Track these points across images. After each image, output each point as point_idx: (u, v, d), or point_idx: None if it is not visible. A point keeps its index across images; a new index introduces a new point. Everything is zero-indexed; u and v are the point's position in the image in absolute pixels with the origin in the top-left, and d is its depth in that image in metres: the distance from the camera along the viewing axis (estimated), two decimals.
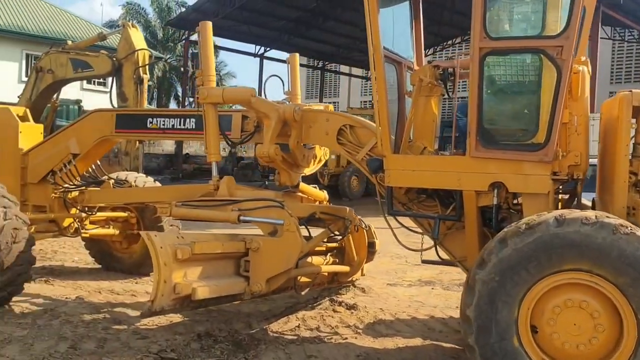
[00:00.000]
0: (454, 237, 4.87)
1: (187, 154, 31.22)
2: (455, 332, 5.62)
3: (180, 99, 38.02)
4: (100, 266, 7.99)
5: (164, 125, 6.07)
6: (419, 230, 5.02)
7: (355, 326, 5.67)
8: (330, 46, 32.30)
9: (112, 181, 6.78)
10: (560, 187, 4.54)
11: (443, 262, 5.20)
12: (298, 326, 5.57)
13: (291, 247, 4.78)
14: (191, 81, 30.78)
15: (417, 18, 5.35)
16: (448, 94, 4.89)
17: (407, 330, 5.64)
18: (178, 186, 6.16)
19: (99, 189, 6.70)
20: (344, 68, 37.69)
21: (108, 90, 13.57)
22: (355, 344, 5.14)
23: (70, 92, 19.84)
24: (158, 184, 7.65)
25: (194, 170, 29.00)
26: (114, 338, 5.00)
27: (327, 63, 36.42)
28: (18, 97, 16.53)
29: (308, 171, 5.89)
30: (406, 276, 8.34)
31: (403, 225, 5.00)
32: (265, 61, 32.08)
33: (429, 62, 4.78)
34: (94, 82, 30.57)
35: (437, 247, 4.88)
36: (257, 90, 5.33)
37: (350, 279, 6.55)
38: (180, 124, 5.99)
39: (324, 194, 6.37)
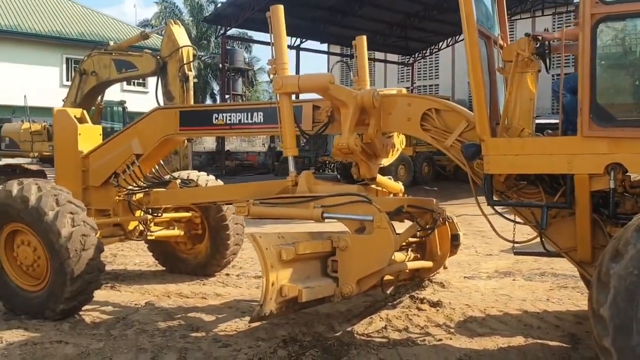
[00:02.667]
0: (560, 226, 4.41)
1: (229, 150, 31.16)
2: (555, 327, 5.20)
3: (217, 96, 38.01)
4: (164, 268, 7.77)
5: (230, 120, 5.75)
6: (519, 220, 4.58)
7: (446, 325, 5.27)
8: (367, 33, 31.65)
9: (178, 181, 6.51)
10: None
11: (539, 253, 4.77)
12: (385, 327, 5.21)
13: (383, 245, 4.39)
14: (227, 78, 30.70)
15: None
16: (547, 69, 4.42)
17: (502, 327, 5.21)
18: (251, 183, 5.85)
19: (164, 189, 6.44)
20: (379, 54, 37.05)
21: (148, 91, 13.26)
22: (452, 346, 4.76)
23: (111, 93, 19.87)
24: (220, 182, 7.36)
25: (236, 166, 28.97)
26: (195, 347, 4.72)
27: None
28: (62, 100, 16.56)
29: (387, 162, 5.51)
30: (481, 267, 7.90)
31: (502, 215, 4.56)
32: (301, 53, 31.71)
33: (526, 34, 4.31)
34: (134, 83, 30.77)
35: (542, 237, 4.44)
36: None
37: (432, 274, 6.16)
38: (247, 119, 5.66)
39: (399, 186, 5.98)
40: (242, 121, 5.69)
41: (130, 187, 6.39)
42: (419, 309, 5.75)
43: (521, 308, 5.79)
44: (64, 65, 31.51)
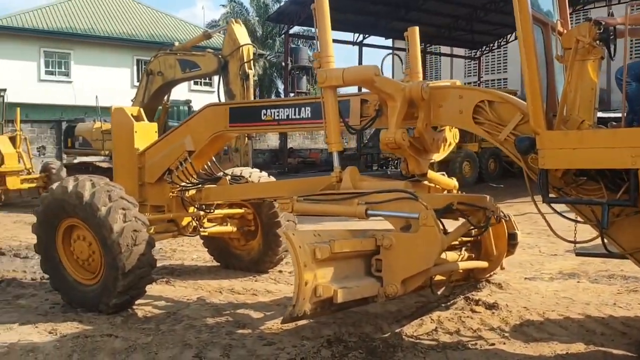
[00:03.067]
0: (623, 226, 4.09)
1: (292, 148, 31.34)
2: (621, 335, 4.84)
3: (282, 95, 38.30)
4: (218, 264, 7.83)
5: (278, 116, 5.70)
6: (580, 219, 4.28)
7: (500, 329, 5.01)
8: (432, 27, 31.02)
9: (228, 177, 6.52)
10: None
11: (602, 255, 4.43)
12: (435, 329, 5.00)
13: (430, 244, 4.21)
14: (291, 76, 30.85)
15: None
16: (611, 56, 4.10)
17: (561, 332, 4.90)
18: (297, 180, 5.80)
19: (215, 186, 6.46)
20: (445, 49, 36.24)
21: (214, 90, 13.38)
22: (505, 351, 4.51)
23: (178, 93, 20.36)
24: (272, 178, 7.34)
25: (299, 163, 29.09)
26: (239, 344, 4.69)
27: (428, 45, 35.14)
28: (131, 100, 17.08)
29: (438, 157, 5.29)
30: (544, 268, 7.51)
31: (559, 214, 4.28)
32: (364, 49, 31.41)
33: (587, 19, 4.01)
34: (201, 82, 31.55)
35: (604, 237, 4.12)
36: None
37: (488, 275, 5.89)
38: (295, 114, 5.58)
39: (454, 182, 5.74)
40: (290, 117, 5.62)
41: (183, 184, 6.45)
42: (473, 310, 5.51)
43: (584, 312, 5.43)
44: (135, 67, 32.65)
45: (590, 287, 6.51)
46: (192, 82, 29.01)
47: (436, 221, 4.23)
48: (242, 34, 13.70)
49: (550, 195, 4.13)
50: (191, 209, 6.69)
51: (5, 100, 18.48)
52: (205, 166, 6.68)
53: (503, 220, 5.46)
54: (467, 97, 4.67)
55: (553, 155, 3.93)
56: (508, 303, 5.73)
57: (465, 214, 5.01)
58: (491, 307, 5.58)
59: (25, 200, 16.40)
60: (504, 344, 4.65)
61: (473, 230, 5.26)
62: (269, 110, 5.75)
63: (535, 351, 4.49)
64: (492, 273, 5.89)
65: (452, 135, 5.37)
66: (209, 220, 7.18)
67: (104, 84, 28.27)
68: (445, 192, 5.68)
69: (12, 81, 27.94)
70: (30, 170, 16.34)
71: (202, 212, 6.64)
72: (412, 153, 4.88)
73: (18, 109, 17.71)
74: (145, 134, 6.84)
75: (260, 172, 7.50)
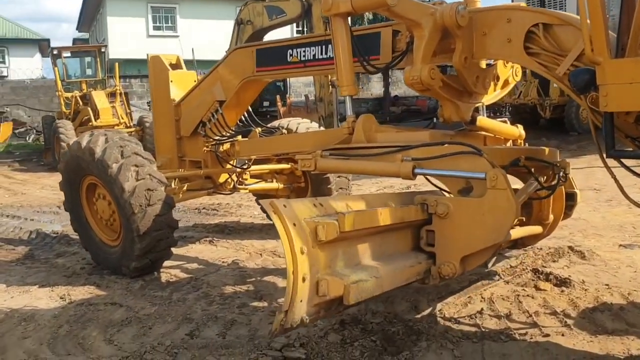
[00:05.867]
0: None
1: (397, 95, 30.03)
2: None
3: None
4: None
5: (304, 56, 4.89)
6: None
7: (565, 313, 4.01)
8: None
9: (258, 130, 5.85)
10: None
11: None
12: (481, 311, 4.10)
13: (502, 212, 3.24)
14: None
15: None
16: None
17: None
18: (315, 132, 5.00)
19: (247, 139, 5.83)
20: None
21: None
22: (560, 345, 3.53)
23: None
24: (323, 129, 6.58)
25: (402, 112, 27.83)
26: (244, 321, 4.09)
27: None
28: (225, 52, 16.88)
29: (488, 99, 4.25)
30: None
31: (632, 171, 3.18)
32: None
33: None
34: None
35: None
36: None
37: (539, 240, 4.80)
38: (322, 53, 4.74)
39: (518, 130, 4.66)
40: (317, 56, 4.78)
41: (217, 137, 5.89)
42: (537, 288, 4.52)
43: None
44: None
45: None
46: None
47: (509, 183, 3.28)
48: None
49: (619, 148, 3.04)
50: (229, 165, 6.12)
51: (107, 57, 19.04)
52: (242, 118, 6.05)
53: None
54: (517, 20, 3.59)
55: (619, 92, 2.83)
56: (586, 279, 4.67)
57: (532, 171, 3.97)
58: (562, 283, 4.57)
59: None
60: (563, 335, 3.67)
61: (538, 192, 4.22)
62: (294, 50, 4.95)
63: (601, 348, 3.48)
64: (543, 238, 4.74)
65: (510, 72, 4.30)
66: (254, 177, 6.62)
67: (210, 37, 28.48)
68: (510, 143, 4.66)
69: (123, 38, 29.08)
70: (128, 125, 16.73)
71: (238, 169, 6.05)
72: (446, 95, 3.89)
73: (117, 64, 18.14)
74: (183, 83, 6.30)
75: (311, 122, 6.78)
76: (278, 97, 19.61)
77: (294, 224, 2.83)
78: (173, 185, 6.00)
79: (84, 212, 5.60)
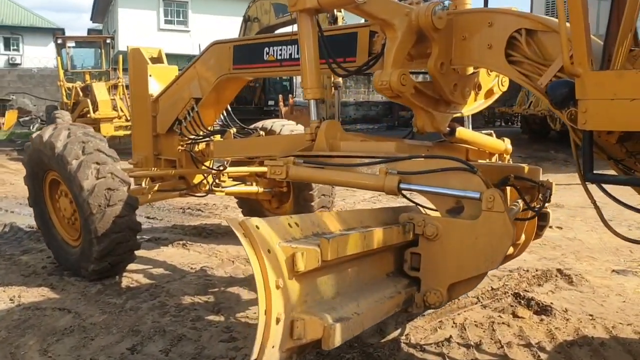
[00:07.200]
0: None
1: None
2: None
3: None
4: None
5: (280, 55, 4.60)
6: None
7: (540, 346, 3.67)
8: None
9: (232, 131, 5.54)
10: None
11: None
12: (449, 338, 3.77)
13: (498, 238, 2.87)
14: None
15: None
16: None
17: None
18: (280, 137, 4.69)
19: (222, 140, 5.53)
20: None
21: None
22: None
23: None
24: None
25: (412, 117, 27.41)
26: (193, 337, 3.80)
27: None
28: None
29: (468, 110, 3.91)
30: None
31: (613, 198, 2.85)
32: None
33: None
34: None
35: None
36: None
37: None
38: (298, 53, 4.44)
39: (504, 144, 4.33)
40: (293, 56, 4.49)
41: (192, 137, 5.60)
42: (515, 314, 4.18)
43: None
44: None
45: None
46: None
47: (506, 205, 2.93)
48: None
49: (598, 172, 2.71)
50: (206, 166, 5.82)
51: (116, 49, 18.85)
52: (221, 116, 5.75)
53: None
54: (498, 25, 3.26)
55: (599, 108, 2.51)
56: (569, 307, 4.33)
57: (520, 190, 3.62)
58: (542, 311, 4.23)
59: (127, 147, 16.69)
60: None
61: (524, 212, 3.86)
62: (271, 49, 4.66)
63: None
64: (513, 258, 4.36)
65: (495, 81, 3.96)
66: (236, 179, 6.33)
67: (221, 34, 28.21)
68: (495, 158, 4.33)
69: (133, 30, 28.90)
70: (128, 118, 16.51)
71: (213, 170, 5.76)
72: (419, 104, 3.57)
73: (120, 56, 17.94)
74: (163, 78, 6.01)
75: (296, 125, 6.47)
76: (281, 96, 19.32)
77: (268, 251, 2.31)
78: (143, 185, 5.72)
79: (47, 208, 5.35)
